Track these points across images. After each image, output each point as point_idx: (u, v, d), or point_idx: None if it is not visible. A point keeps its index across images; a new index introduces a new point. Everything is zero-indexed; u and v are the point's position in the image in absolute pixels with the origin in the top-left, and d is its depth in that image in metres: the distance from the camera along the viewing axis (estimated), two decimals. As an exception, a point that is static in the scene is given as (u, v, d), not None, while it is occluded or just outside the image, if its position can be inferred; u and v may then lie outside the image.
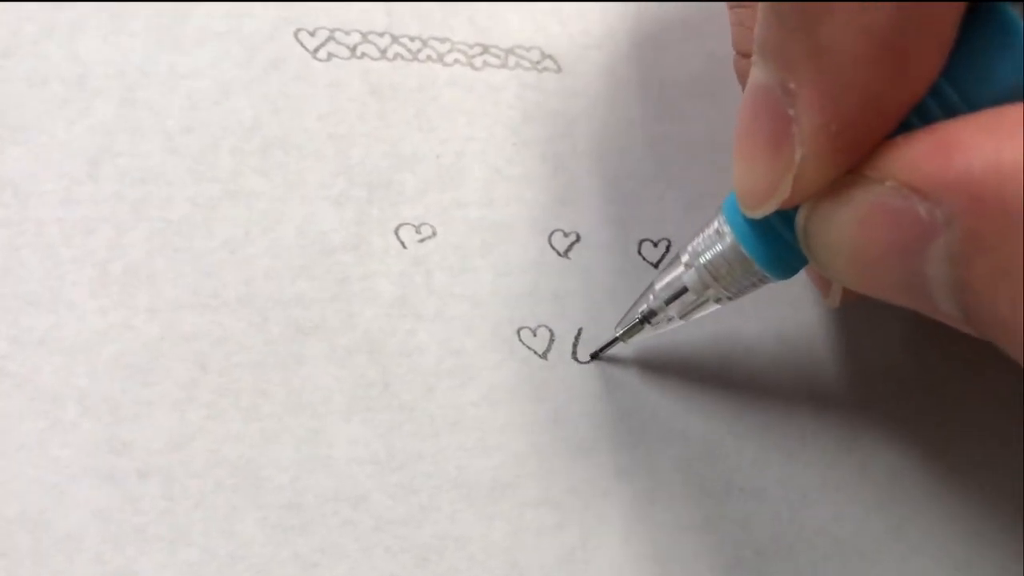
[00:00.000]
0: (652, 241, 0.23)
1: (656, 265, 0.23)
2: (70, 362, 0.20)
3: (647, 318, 0.20)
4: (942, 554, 0.21)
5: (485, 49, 0.25)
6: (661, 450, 0.21)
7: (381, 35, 0.25)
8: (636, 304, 0.21)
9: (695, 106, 0.25)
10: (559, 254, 0.23)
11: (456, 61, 0.25)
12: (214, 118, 0.23)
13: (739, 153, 0.16)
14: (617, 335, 0.21)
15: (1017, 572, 0.20)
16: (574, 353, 0.22)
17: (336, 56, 0.24)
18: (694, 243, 0.19)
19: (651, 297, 0.20)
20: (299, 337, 0.21)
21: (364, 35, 0.25)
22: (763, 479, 0.21)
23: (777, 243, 0.17)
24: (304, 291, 0.22)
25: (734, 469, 0.21)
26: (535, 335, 0.22)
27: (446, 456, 0.20)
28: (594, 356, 0.22)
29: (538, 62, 0.25)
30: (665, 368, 0.22)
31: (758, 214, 0.16)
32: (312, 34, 0.25)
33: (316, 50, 0.24)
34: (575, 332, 0.22)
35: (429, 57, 0.25)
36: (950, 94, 0.14)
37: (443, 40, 0.25)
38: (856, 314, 0.23)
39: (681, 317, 0.20)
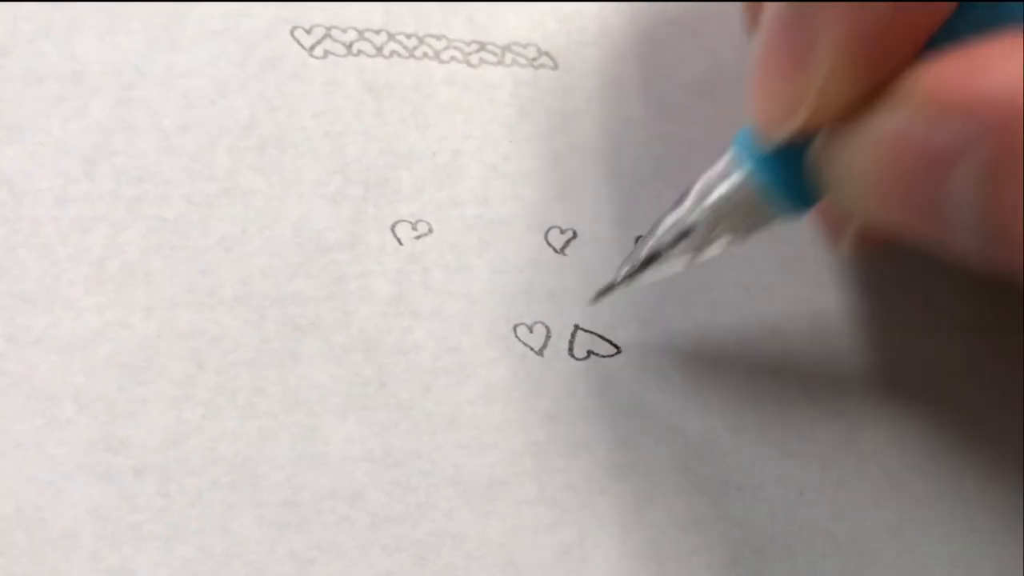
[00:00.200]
0: (649, 238, 0.23)
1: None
2: (66, 360, 0.20)
3: (651, 259, 0.19)
4: (941, 553, 0.21)
5: (482, 46, 0.25)
6: (658, 448, 0.21)
7: (378, 32, 0.25)
8: (640, 245, 0.20)
9: (693, 104, 0.25)
10: (556, 251, 0.23)
11: (452, 58, 0.25)
12: (211, 116, 0.23)
13: (760, 74, 0.16)
14: (620, 276, 0.20)
15: (1017, 571, 0.20)
16: (570, 350, 0.22)
17: (332, 53, 0.24)
18: (702, 181, 0.18)
19: (656, 236, 0.19)
20: (295, 335, 0.21)
21: (360, 32, 0.25)
22: (761, 477, 0.21)
23: (791, 175, 0.17)
24: (301, 289, 0.22)
25: (732, 467, 0.21)
26: (531, 332, 0.22)
27: (443, 454, 0.20)
28: (595, 299, 0.21)
29: (535, 59, 0.25)
30: (662, 365, 0.22)
31: (777, 138, 0.16)
32: (308, 32, 0.25)
33: (312, 48, 0.24)
34: (571, 329, 0.22)
35: (425, 54, 0.25)
36: (980, 12, 0.14)
37: (439, 37, 0.25)
38: (855, 312, 0.23)
39: (687, 259, 0.19)
